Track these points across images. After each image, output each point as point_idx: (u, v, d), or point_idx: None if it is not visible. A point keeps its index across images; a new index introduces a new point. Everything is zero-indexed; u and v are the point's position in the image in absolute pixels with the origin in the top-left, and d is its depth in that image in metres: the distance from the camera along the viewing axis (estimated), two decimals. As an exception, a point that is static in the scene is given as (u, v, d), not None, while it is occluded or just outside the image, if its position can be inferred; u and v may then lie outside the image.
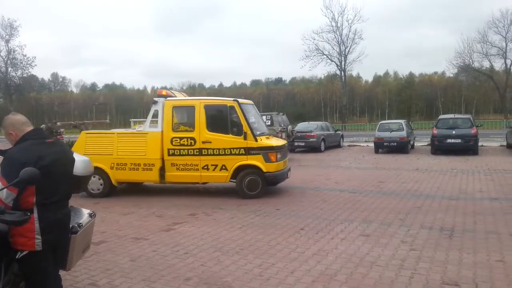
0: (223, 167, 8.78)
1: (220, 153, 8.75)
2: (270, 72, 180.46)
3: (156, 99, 9.42)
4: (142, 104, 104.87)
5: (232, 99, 9.17)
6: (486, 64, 48.75)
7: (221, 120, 9.02)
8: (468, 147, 17.24)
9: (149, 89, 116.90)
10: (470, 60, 47.87)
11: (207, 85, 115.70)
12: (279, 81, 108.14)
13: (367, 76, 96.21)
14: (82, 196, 9.25)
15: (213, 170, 8.81)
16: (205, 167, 8.83)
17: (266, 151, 8.71)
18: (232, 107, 8.85)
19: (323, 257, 4.98)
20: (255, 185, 8.73)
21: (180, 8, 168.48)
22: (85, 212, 3.71)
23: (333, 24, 43.87)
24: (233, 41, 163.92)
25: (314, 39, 43.90)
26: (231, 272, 4.54)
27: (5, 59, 53.94)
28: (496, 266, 4.56)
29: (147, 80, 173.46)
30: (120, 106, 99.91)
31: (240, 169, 8.77)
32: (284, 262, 4.83)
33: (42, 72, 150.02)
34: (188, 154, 8.87)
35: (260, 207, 7.88)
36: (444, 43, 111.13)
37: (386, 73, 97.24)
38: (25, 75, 57.89)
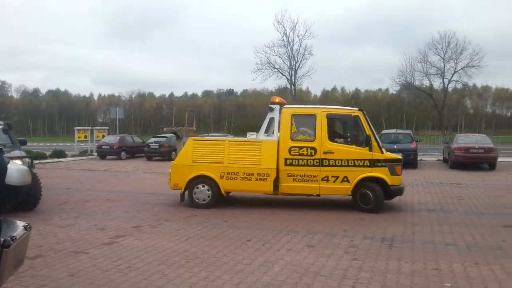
0: (345, 179, 8.42)
1: (343, 164, 8.41)
2: (222, 84, 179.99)
3: (272, 106, 9.05)
4: (88, 111, 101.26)
5: (357, 108, 8.96)
6: (426, 82, 51.71)
7: (344, 130, 8.83)
8: (408, 161, 18.05)
9: (95, 96, 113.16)
10: (412, 79, 50.61)
11: (157, 94, 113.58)
12: (230, 92, 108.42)
13: (316, 91, 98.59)
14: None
15: (334, 182, 8.47)
16: (325, 179, 8.47)
17: (392, 163, 8.47)
18: (356, 117, 8.54)
19: (269, 268, 5.00)
20: (368, 199, 8.41)
21: (132, 16, 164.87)
22: (20, 224, 3.49)
23: (285, 39, 44.82)
24: (185, 52, 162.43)
25: (266, 52, 44.60)
26: (175, 286, 4.43)
27: None
28: (432, 274, 4.79)
29: (94, 87, 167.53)
30: (64, 113, 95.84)
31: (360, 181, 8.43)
32: (230, 274, 4.79)
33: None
34: (307, 165, 8.49)
35: (207, 219, 7.80)
36: (388, 62, 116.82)
37: (334, 88, 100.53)
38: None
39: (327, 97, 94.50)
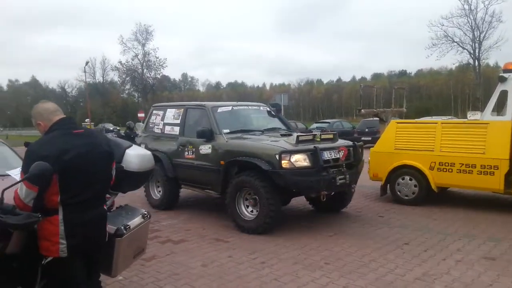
0: None
1: None
2: (393, 65, 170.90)
3: (504, 75, 6.97)
4: (261, 100, 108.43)
5: None
6: None
7: None
8: None
9: (267, 86, 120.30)
10: None
11: (325, 80, 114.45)
12: (403, 73, 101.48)
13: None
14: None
15: None
16: None
17: None
18: None
19: (428, 284, 3.93)
20: None
21: (300, 7, 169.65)
22: (139, 212, 3.35)
23: (466, 7, 39.01)
24: (353, 37, 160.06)
25: (443, 25, 39.55)
26: (306, 293, 3.80)
27: (141, 61, 59.76)
28: None
29: (267, 78, 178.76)
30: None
31: None
32: (375, 285, 3.91)
33: (173, 73, 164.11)
34: None
35: (359, 212, 6.89)
36: None
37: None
38: (158, 76, 63.46)
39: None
